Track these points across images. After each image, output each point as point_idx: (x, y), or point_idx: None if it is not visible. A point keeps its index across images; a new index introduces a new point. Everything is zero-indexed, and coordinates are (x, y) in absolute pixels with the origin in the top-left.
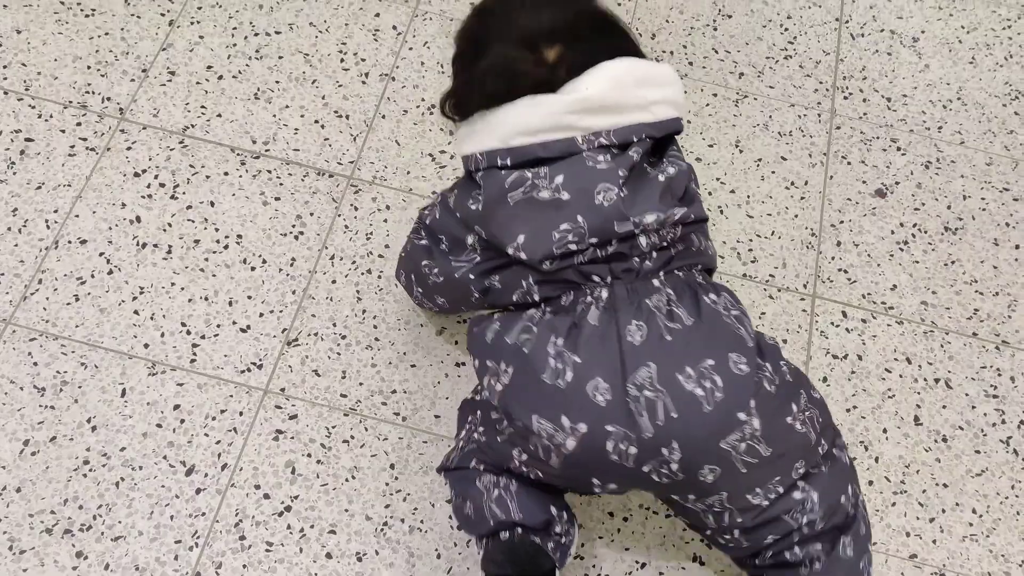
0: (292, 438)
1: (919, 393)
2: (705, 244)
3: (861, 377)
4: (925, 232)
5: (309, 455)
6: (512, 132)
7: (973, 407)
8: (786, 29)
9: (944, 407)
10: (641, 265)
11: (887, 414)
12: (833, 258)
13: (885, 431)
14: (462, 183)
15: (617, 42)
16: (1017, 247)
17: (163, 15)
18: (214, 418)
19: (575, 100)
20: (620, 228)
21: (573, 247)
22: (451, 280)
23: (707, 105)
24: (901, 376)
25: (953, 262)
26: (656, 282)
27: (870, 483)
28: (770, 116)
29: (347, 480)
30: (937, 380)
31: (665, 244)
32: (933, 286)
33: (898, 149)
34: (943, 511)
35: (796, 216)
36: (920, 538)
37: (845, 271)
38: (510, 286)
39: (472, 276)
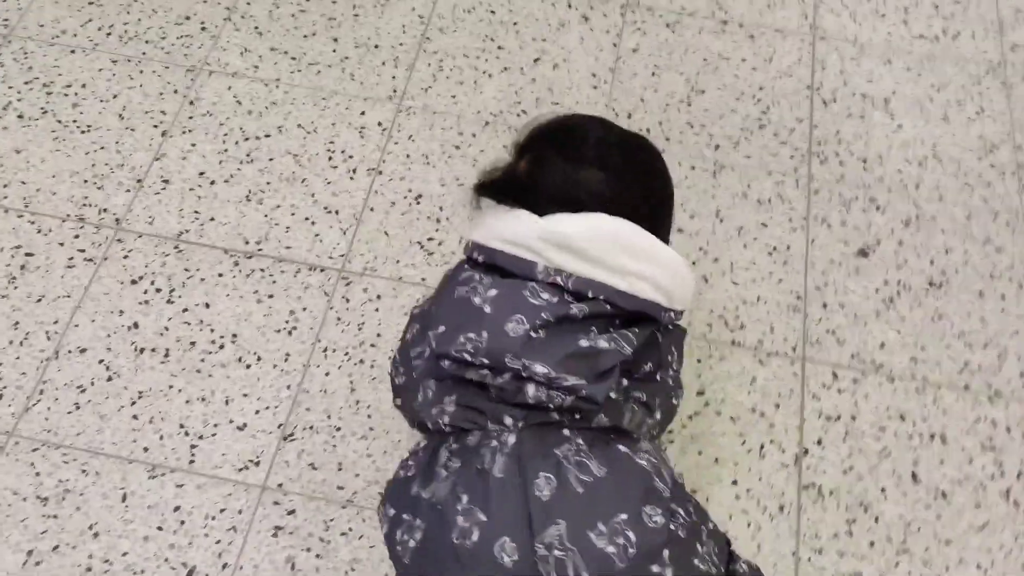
0: (291, 533)
1: (915, 450)
2: (637, 423)
3: (856, 437)
4: (910, 288)
5: (308, 549)
6: (494, 234)
7: (971, 460)
8: (759, 100)
9: (941, 462)
10: (548, 416)
11: (884, 473)
12: (820, 320)
13: (883, 490)
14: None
15: (642, 209)
16: (1003, 297)
17: (156, 126)
18: (214, 518)
19: (547, 229)
20: (510, 363)
21: (468, 357)
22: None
23: (686, 178)
24: (896, 434)
25: (940, 316)
26: (566, 431)
27: (871, 544)
28: (748, 185)
29: (347, 573)
30: (932, 436)
31: (554, 405)
32: (922, 342)
33: (877, 208)
34: (947, 568)
35: (780, 281)
36: None
37: (833, 332)
38: (435, 400)
39: (415, 373)
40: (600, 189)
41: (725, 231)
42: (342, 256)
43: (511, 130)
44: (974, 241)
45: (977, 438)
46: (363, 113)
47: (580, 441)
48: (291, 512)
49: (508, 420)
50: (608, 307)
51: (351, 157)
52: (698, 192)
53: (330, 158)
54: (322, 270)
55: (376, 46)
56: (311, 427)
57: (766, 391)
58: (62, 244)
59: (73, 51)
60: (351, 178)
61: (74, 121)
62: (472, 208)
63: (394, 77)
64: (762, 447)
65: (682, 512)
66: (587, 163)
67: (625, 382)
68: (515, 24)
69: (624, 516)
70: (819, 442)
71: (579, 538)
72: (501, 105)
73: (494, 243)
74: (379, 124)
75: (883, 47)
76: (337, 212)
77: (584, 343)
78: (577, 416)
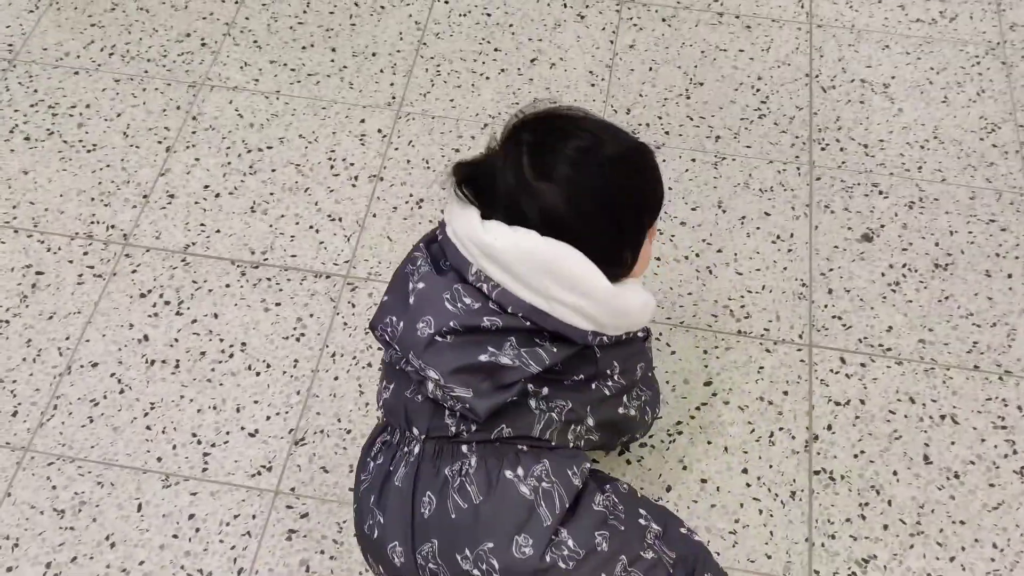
0: (305, 536)
1: (926, 432)
2: (556, 431)
3: (866, 421)
4: (915, 271)
5: (322, 552)
6: (451, 222)
7: (983, 440)
8: (758, 90)
9: (953, 443)
10: (458, 428)
11: (895, 456)
12: (826, 306)
13: (895, 473)
14: None
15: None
16: (1010, 276)
17: (160, 142)
18: (228, 524)
19: (478, 237)
20: (411, 360)
21: (387, 338)
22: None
23: (687, 171)
24: (906, 416)
25: (947, 297)
26: (465, 448)
27: (885, 527)
28: (750, 174)
29: (360, 574)
30: (943, 417)
31: (447, 407)
32: (929, 323)
33: (880, 193)
34: (963, 549)
35: (785, 269)
36: None
37: (839, 317)
38: (381, 381)
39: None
40: (550, 208)
41: (728, 221)
42: (347, 262)
43: None
44: (978, 221)
45: (988, 418)
46: (363, 121)
47: (473, 461)
48: (304, 515)
49: (415, 430)
50: (527, 323)
51: (352, 164)
52: (699, 184)
53: (332, 166)
54: (327, 277)
55: (374, 54)
56: (322, 431)
57: (774, 379)
58: (71, 261)
59: (77, 72)
60: (353, 185)
61: (80, 141)
62: (446, 189)
63: (392, 84)
64: (771, 435)
65: (571, 543)
66: (549, 175)
67: (546, 391)
68: (511, 26)
69: (491, 544)
70: (829, 427)
71: (448, 558)
72: (499, 107)
73: (449, 230)
74: (379, 131)
75: (880, 32)
76: (340, 219)
77: (483, 357)
78: (474, 427)
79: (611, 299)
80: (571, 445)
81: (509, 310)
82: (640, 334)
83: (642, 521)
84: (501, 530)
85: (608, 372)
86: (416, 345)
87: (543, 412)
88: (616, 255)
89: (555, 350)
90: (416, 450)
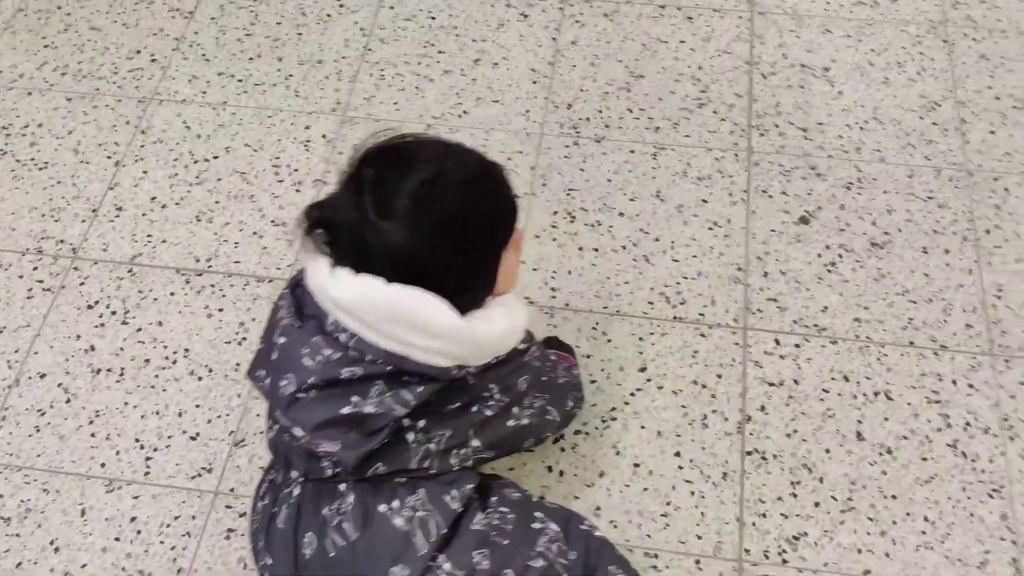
0: (242, 535)
1: (859, 409)
2: (436, 459)
3: (799, 401)
4: (852, 251)
5: None
6: (307, 269)
7: (916, 415)
8: (698, 80)
9: (886, 419)
10: (334, 469)
11: (828, 434)
12: (762, 289)
13: (828, 451)
14: None
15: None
16: (947, 252)
17: (109, 157)
18: (169, 525)
19: (324, 289)
20: (278, 417)
21: (261, 389)
22: None
23: (626, 162)
24: (840, 395)
25: (883, 276)
26: (343, 487)
27: (816, 504)
28: (688, 163)
29: None
30: (877, 393)
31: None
32: (865, 302)
33: (818, 175)
34: (894, 523)
35: (721, 254)
36: (872, 553)
37: (775, 300)
38: (268, 418)
39: None
40: (395, 246)
41: (666, 210)
42: (289, 266)
43: (452, 131)
44: (916, 199)
45: (922, 393)
46: (308, 127)
47: (350, 499)
48: (243, 514)
49: (294, 473)
50: (388, 368)
51: (296, 171)
52: (638, 175)
53: (276, 173)
54: (270, 281)
55: (319, 61)
56: (261, 432)
57: (708, 363)
58: (21, 276)
59: (30, 93)
60: (297, 191)
61: (31, 159)
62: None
63: (337, 90)
64: (704, 417)
65: (448, 565)
66: (391, 213)
67: (423, 423)
68: (455, 28)
69: None
70: (762, 408)
71: None
72: (443, 108)
73: (307, 278)
74: (323, 136)
75: (822, 16)
76: (284, 224)
77: (345, 410)
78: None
79: (464, 335)
80: (456, 468)
81: (368, 358)
82: (521, 346)
83: (536, 525)
84: (378, 564)
85: (485, 395)
86: (281, 402)
87: (420, 444)
88: (472, 280)
89: (420, 389)
90: (296, 491)
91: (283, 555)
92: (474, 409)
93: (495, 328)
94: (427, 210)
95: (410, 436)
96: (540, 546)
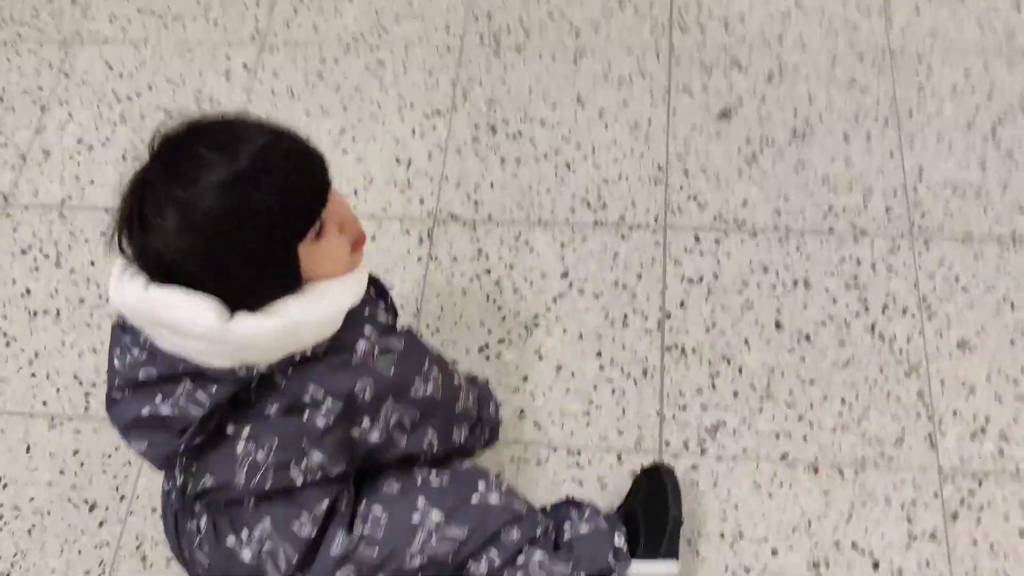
0: None
1: (778, 299)
2: (246, 470)
3: (719, 295)
4: (772, 143)
5: None
6: None
7: (835, 301)
8: None
9: (805, 307)
10: (183, 481)
11: (747, 325)
12: (682, 188)
13: (747, 341)
14: None
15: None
16: (868, 137)
17: (34, 102)
18: (109, 456)
19: (110, 293)
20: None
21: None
22: None
23: (546, 70)
24: (759, 286)
25: (804, 166)
26: (197, 507)
27: (735, 394)
28: (609, 66)
29: None
30: (795, 282)
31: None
32: (784, 193)
33: (739, 68)
34: (811, 407)
35: (642, 156)
36: (790, 437)
37: (695, 197)
38: None
39: None
40: (160, 251)
41: (587, 116)
42: None
43: (373, 50)
44: (839, 86)
45: (841, 278)
46: (228, 58)
47: (203, 522)
48: None
49: (166, 482)
50: (180, 367)
51: (219, 103)
52: (558, 81)
53: (199, 106)
54: None
55: None
56: None
57: (628, 264)
58: None
59: None
60: None
61: None
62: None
63: (257, 18)
64: (625, 317)
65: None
66: (144, 217)
67: (248, 429)
68: None
69: None
70: (681, 304)
71: None
72: (361, 27)
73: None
74: (244, 65)
75: None
76: None
77: (145, 411)
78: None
79: (222, 336)
80: (301, 483)
81: (159, 359)
82: (360, 346)
83: (416, 517)
84: None
85: (309, 400)
86: (107, 401)
87: (248, 455)
88: (261, 278)
89: (214, 390)
90: (173, 496)
91: (177, 554)
92: (304, 417)
93: (267, 324)
94: (189, 215)
95: (240, 445)
96: (418, 542)
